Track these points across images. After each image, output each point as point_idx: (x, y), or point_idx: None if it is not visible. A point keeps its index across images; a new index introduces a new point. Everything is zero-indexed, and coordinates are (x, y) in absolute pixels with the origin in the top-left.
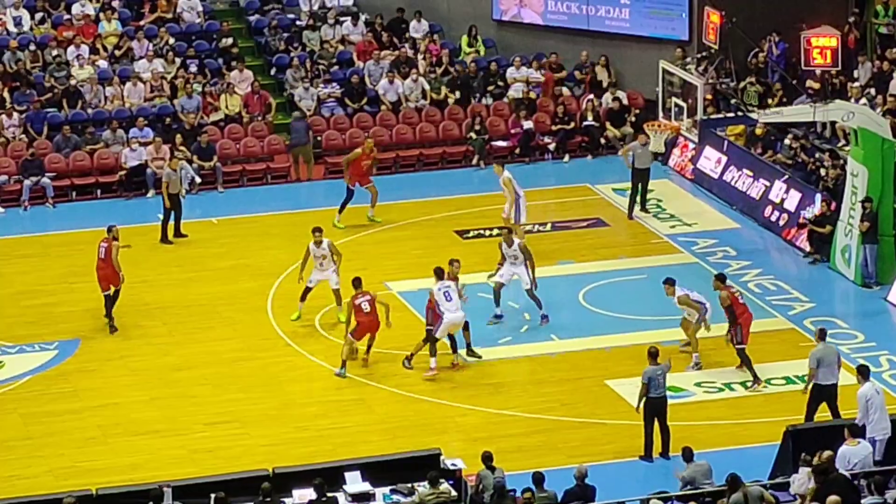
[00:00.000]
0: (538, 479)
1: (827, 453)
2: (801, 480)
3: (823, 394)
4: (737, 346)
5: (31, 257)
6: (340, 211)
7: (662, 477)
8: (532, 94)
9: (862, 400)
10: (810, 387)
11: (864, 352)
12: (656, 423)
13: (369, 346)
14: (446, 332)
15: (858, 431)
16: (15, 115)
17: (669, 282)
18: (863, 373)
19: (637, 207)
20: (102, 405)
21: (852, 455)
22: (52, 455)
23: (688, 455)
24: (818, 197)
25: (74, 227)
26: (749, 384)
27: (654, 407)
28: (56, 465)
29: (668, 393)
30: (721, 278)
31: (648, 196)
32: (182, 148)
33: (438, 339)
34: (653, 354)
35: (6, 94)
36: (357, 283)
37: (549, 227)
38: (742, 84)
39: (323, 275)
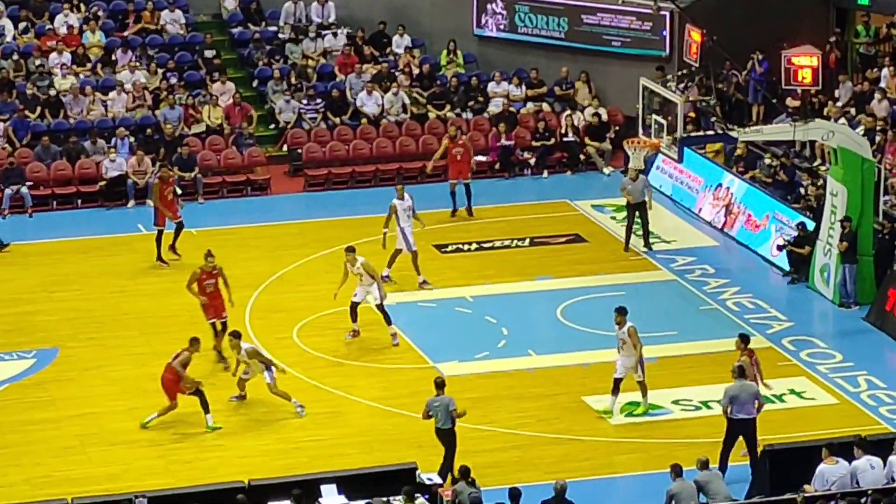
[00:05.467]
0: (515, 494)
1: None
2: None
3: (737, 428)
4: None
5: (10, 266)
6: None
7: (640, 494)
8: (512, 109)
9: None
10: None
11: (842, 371)
12: None
13: None
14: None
15: (836, 450)
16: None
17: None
18: (861, 445)
19: (641, 242)
20: (80, 415)
21: (830, 474)
22: (28, 464)
23: (677, 471)
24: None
25: (54, 237)
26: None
27: (439, 436)
28: (32, 474)
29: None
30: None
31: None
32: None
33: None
34: (438, 385)
35: None
36: None
37: (527, 242)
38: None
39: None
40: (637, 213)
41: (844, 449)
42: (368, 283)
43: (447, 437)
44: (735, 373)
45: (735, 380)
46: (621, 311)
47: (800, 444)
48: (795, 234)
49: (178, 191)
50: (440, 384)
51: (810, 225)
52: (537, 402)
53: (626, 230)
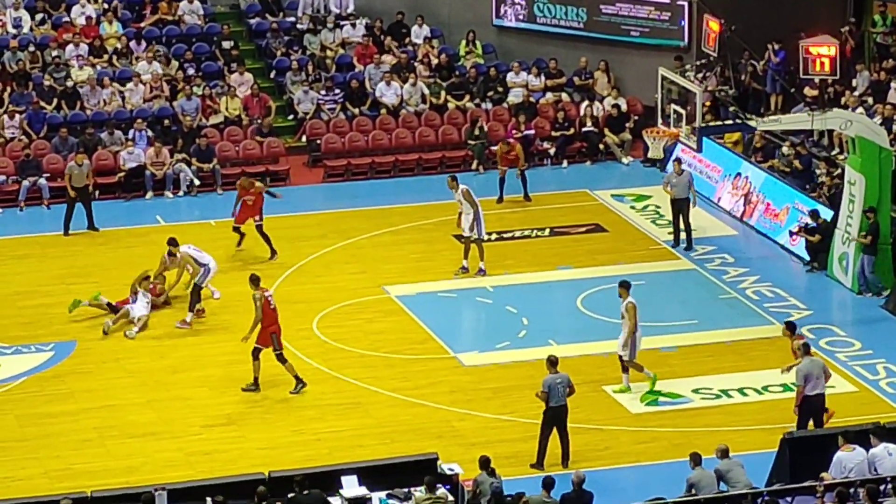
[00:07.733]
0: (548, 483)
1: None
2: None
3: (814, 405)
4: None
5: (28, 258)
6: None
7: (660, 483)
8: (531, 99)
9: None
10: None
11: (861, 359)
12: (554, 432)
13: None
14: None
15: (853, 437)
16: (16, 115)
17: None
18: (876, 432)
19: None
20: (98, 407)
21: (847, 461)
22: (47, 457)
23: (697, 460)
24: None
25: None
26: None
27: (554, 416)
28: (51, 466)
29: (666, 399)
30: (254, 280)
31: (647, 202)
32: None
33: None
34: (552, 363)
35: (5, 96)
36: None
37: (547, 232)
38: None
39: None
40: (679, 211)
41: (861, 436)
42: (468, 211)
43: (565, 414)
44: (801, 350)
45: (803, 357)
46: (623, 285)
47: (818, 432)
48: (809, 221)
49: (197, 181)
50: (554, 361)
51: (824, 212)
52: None
53: (674, 227)
